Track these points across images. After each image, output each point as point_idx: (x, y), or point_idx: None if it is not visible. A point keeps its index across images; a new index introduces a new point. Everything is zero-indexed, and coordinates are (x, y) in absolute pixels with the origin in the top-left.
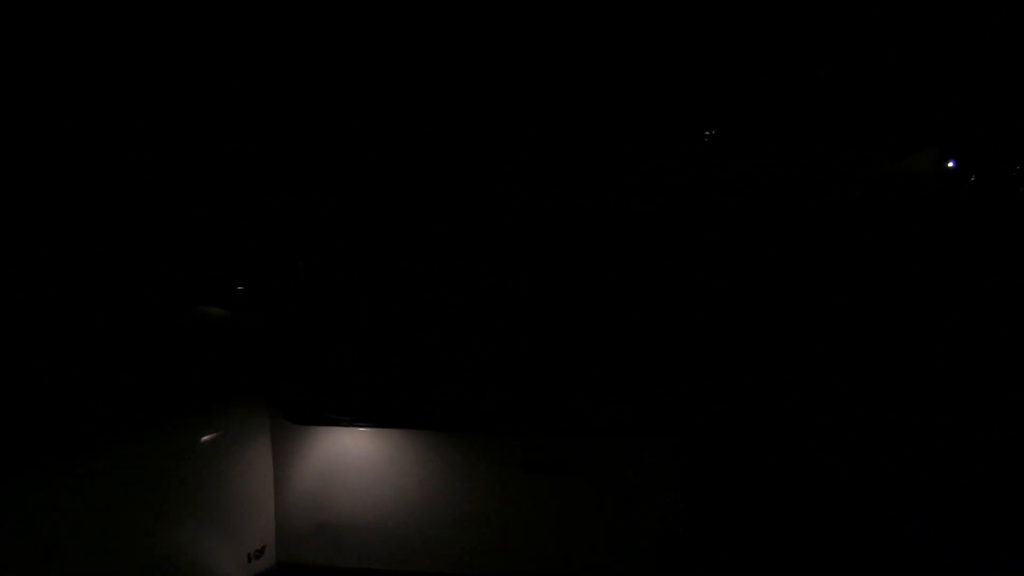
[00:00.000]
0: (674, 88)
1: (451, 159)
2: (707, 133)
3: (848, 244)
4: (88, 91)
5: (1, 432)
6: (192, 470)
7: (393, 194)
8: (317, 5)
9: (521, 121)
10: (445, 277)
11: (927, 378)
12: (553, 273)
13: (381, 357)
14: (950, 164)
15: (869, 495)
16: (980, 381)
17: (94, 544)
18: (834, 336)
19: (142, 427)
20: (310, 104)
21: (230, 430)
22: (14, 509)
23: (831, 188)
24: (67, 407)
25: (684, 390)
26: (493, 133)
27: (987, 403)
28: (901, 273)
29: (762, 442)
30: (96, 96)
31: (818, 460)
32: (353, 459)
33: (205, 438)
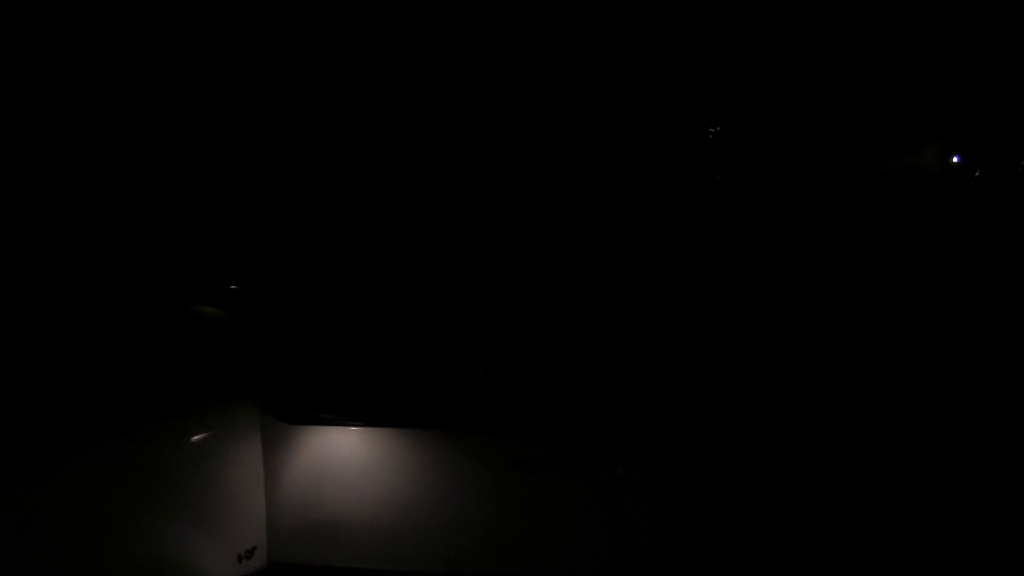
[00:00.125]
0: (674, 88)
1: (451, 159)
2: (711, 130)
3: (848, 244)
4: (86, 91)
5: None
6: (182, 470)
7: (393, 194)
8: (317, 5)
9: (521, 121)
10: (443, 276)
11: (927, 378)
12: (553, 273)
13: (375, 356)
14: (955, 159)
15: (869, 495)
16: (980, 381)
17: (81, 543)
18: (834, 336)
19: (131, 426)
20: (310, 104)
21: (220, 430)
22: (0, 507)
23: (831, 188)
24: (55, 404)
25: (684, 390)
26: (493, 133)
27: (987, 403)
28: (901, 273)
29: (762, 442)
30: (94, 95)
31: (818, 460)
32: (345, 458)
33: (195, 437)
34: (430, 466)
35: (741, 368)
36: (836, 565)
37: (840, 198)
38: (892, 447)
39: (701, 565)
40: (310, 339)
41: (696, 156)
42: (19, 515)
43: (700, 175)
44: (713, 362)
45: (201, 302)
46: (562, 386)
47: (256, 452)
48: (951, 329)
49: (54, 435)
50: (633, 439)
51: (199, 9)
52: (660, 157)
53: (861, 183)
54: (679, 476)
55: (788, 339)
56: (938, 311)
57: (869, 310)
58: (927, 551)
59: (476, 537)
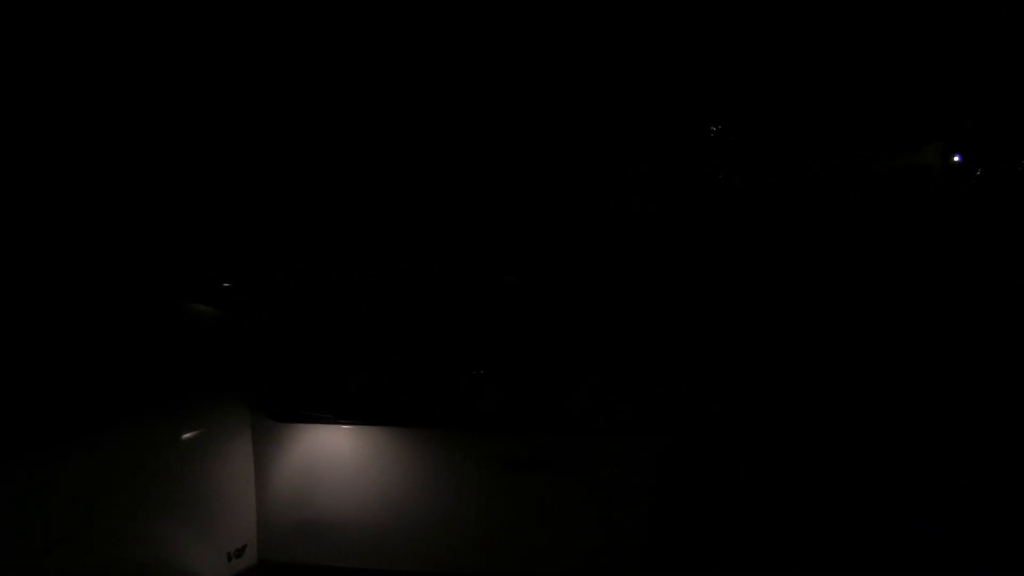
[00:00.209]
0: (674, 88)
1: (451, 159)
2: (713, 128)
3: (848, 244)
4: (85, 90)
5: None
6: (172, 467)
7: (391, 193)
8: (317, 5)
9: (521, 121)
10: (440, 275)
11: (927, 378)
12: (553, 273)
13: (370, 355)
14: (956, 158)
15: (869, 495)
16: (980, 381)
17: (70, 541)
18: (834, 336)
19: (121, 423)
20: (310, 104)
21: (211, 427)
22: None
23: (831, 188)
24: (45, 401)
25: (684, 390)
26: (493, 133)
27: (987, 403)
28: (901, 273)
29: (761, 441)
30: (94, 95)
31: (818, 459)
32: (337, 456)
33: (185, 435)
34: (422, 464)
35: (740, 368)
36: (835, 565)
37: (840, 198)
38: (891, 447)
39: (700, 565)
40: (302, 337)
41: (697, 156)
42: (6, 512)
43: (701, 175)
44: (712, 362)
45: (194, 300)
46: (559, 386)
47: (247, 450)
48: (951, 329)
49: (43, 432)
50: (629, 439)
51: (199, 9)
52: (660, 157)
53: (861, 183)
54: (676, 476)
55: (788, 339)
56: (938, 311)
57: (869, 310)
58: (926, 551)
59: (468, 536)
